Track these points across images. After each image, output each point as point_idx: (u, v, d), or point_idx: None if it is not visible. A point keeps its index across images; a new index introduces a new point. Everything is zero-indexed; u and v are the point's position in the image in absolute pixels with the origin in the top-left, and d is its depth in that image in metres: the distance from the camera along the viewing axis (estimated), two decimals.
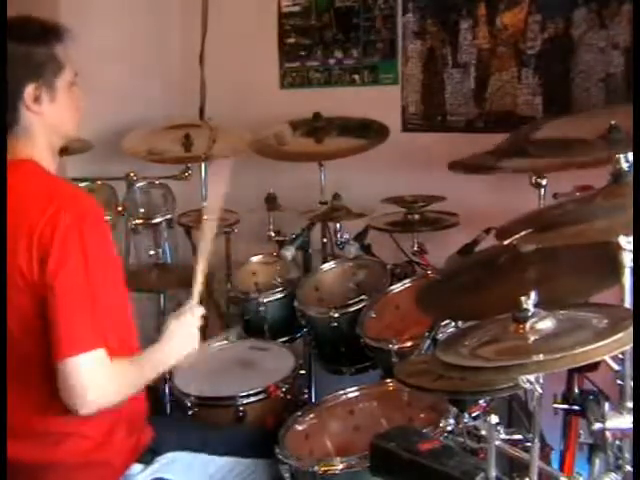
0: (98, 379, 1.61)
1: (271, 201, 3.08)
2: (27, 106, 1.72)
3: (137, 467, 1.80)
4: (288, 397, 2.33)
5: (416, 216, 2.81)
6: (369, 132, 2.95)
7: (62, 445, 1.72)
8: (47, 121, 1.76)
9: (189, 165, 3.11)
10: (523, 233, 1.63)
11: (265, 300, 2.71)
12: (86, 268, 1.61)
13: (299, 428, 2.03)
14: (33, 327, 1.65)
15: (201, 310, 1.87)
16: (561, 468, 1.85)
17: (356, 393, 2.16)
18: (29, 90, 1.71)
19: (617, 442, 1.59)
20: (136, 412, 1.83)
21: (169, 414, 2.38)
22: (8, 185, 1.70)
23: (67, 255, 1.60)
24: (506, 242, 1.66)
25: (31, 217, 1.63)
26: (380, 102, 3.18)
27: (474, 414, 1.84)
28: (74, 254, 1.61)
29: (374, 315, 2.46)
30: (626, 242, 1.51)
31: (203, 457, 1.89)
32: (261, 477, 1.95)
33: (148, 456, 1.82)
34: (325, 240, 3.00)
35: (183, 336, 1.82)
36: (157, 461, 1.82)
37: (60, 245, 1.60)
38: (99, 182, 3.07)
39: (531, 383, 1.36)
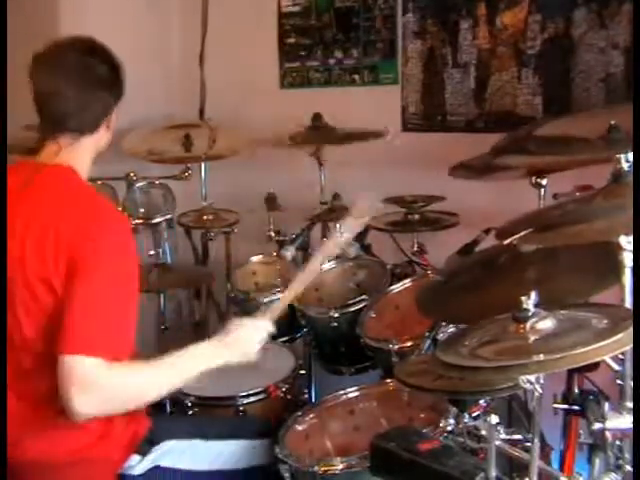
0: (98, 386, 1.61)
1: (271, 201, 3.07)
2: (108, 123, 1.85)
3: (135, 458, 1.81)
4: (288, 397, 2.33)
5: (416, 216, 2.81)
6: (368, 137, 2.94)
7: (60, 443, 1.72)
8: (103, 140, 1.87)
9: (189, 165, 3.11)
10: (523, 233, 1.63)
11: (265, 300, 2.71)
12: (107, 279, 1.65)
13: (299, 428, 2.03)
14: (45, 327, 1.67)
15: (271, 328, 1.92)
16: (561, 468, 1.85)
17: (356, 393, 2.16)
18: (114, 111, 1.84)
19: (617, 442, 1.60)
20: None
21: (169, 414, 2.37)
22: (43, 186, 1.76)
23: (92, 265, 1.64)
24: (506, 242, 1.66)
25: (62, 225, 1.67)
26: (380, 102, 3.18)
27: (474, 414, 1.84)
28: (100, 265, 1.65)
29: (374, 315, 2.46)
30: (626, 242, 1.51)
31: (200, 443, 1.90)
32: (259, 459, 1.95)
33: (145, 446, 1.82)
34: (325, 240, 3.00)
35: (241, 343, 1.84)
36: (154, 450, 1.83)
37: (83, 252, 1.64)
38: (99, 182, 3.06)
39: (531, 383, 1.36)
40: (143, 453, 1.82)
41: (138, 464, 1.81)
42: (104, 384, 1.62)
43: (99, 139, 1.85)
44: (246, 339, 1.85)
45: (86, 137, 1.81)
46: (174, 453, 1.86)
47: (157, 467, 1.83)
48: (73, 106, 1.78)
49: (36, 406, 1.72)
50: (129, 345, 1.73)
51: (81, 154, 1.82)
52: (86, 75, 1.79)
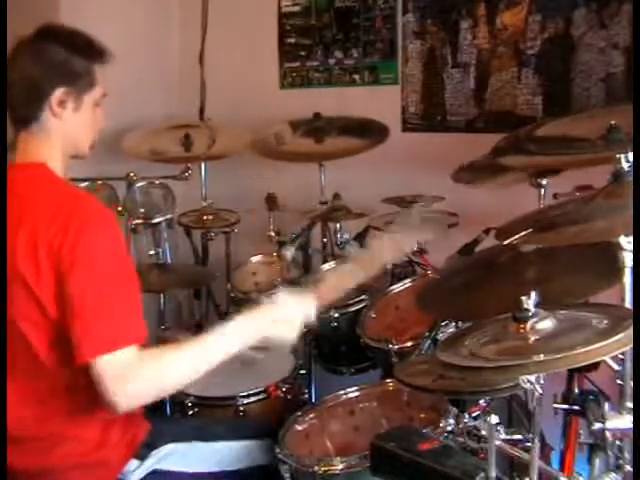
0: (132, 378, 1.58)
1: (271, 201, 3.07)
2: (51, 107, 1.73)
3: (133, 463, 1.79)
4: (288, 397, 2.33)
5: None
6: (369, 132, 2.94)
7: (57, 449, 1.71)
8: (66, 129, 1.77)
9: (189, 165, 3.11)
10: (523, 233, 1.63)
11: (265, 300, 2.70)
12: (100, 270, 1.61)
13: (299, 428, 2.03)
14: (49, 337, 1.65)
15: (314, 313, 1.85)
16: (561, 468, 1.85)
17: (356, 393, 2.16)
18: (58, 93, 1.73)
19: (617, 442, 1.59)
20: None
21: (169, 414, 2.37)
22: (17, 188, 1.70)
23: (78, 259, 1.60)
24: (506, 242, 1.66)
25: (41, 225, 1.63)
26: (380, 102, 3.18)
27: (474, 414, 1.84)
28: (85, 257, 1.60)
29: (374, 315, 2.46)
30: (626, 242, 1.51)
31: (199, 445, 1.89)
32: (259, 460, 1.95)
33: (144, 451, 1.81)
34: (325, 240, 3.00)
35: (286, 322, 1.78)
36: (153, 455, 1.81)
37: (70, 250, 1.60)
38: (99, 182, 3.06)
39: (531, 383, 1.36)
40: (142, 458, 1.80)
41: (137, 469, 1.79)
42: (139, 370, 1.58)
43: (61, 126, 1.76)
44: (292, 319, 1.79)
45: (37, 126, 1.74)
46: (173, 456, 1.84)
47: (156, 471, 1.81)
48: (16, 95, 1.74)
49: (35, 408, 1.71)
50: (144, 327, 1.69)
51: (52, 143, 1.76)
52: (34, 60, 1.73)
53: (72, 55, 1.75)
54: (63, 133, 1.77)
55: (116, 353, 1.57)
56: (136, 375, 1.59)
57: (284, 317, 1.79)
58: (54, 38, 1.76)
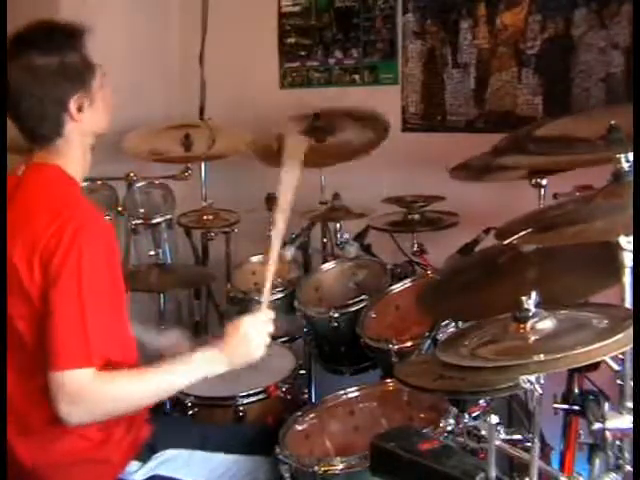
0: (85, 397, 1.61)
1: (271, 201, 3.07)
2: (71, 116, 1.71)
3: (134, 464, 1.80)
4: (288, 397, 2.32)
5: (416, 216, 2.81)
6: (371, 125, 2.93)
7: (59, 443, 1.72)
8: (84, 127, 1.75)
9: (189, 165, 3.11)
10: (522, 234, 1.63)
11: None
12: (81, 285, 1.60)
13: (299, 428, 2.03)
14: (39, 330, 1.65)
15: (270, 315, 1.83)
16: (561, 468, 1.85)
17: (356, 393, 2.16)
18: (73, 101, 1.70)
19: (617, 442, 1.59)
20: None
21: (169, 414, 2.37)
22: (28, 187, 1.72)
23: (65, 269, 1.60)
24: (506, 242, 1.66)
25: (37, 227, 1.64)
26: (380, 102, 3.17)
27: (474, 414, 1.84)
28: (71, 269, 1.60)
29: (374, 315, 2.46)
30: (626, 242, 1.51)
31: (201, 454, 1.89)
32: (260, 475, 1.95)
33: (145, 453, 1.82)
34: (325, 240, 3.00)
35: (244, 344, 1.78)
36: (154, 458, 1.82)
37: (60, 258, 1.60)
38: (99, 182, 3.07)
39: (531, 383, 1.36)
40: (143, 460, 1.81)
41: (138, 471, 1.80)
42: (90, 394, 1.61)
43: (83, 125, 1.73)
44: (248, 337, 1.78)
45: (59, 140, 1.72)
46: (174, 462, 1.85)
47: (156, 476, 1.82)
48: (28, 118, 1.69)
49: (36, 405, 1.71)
50: (122, 348, 1.72)
51: (70, 148, 1.74)
52: (34, 81, 1.66)
53: (61, 56, 1.70)
54: (83, 132, 1.76)
55: (76, 371, 1.59)
56: (89, 396, 1.61)
57: (236, 348, 1.77)
58: (34, 45, 1.69)
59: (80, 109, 1.72)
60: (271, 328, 1.81)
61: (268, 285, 1.89)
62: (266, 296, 1.88)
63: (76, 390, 1.59)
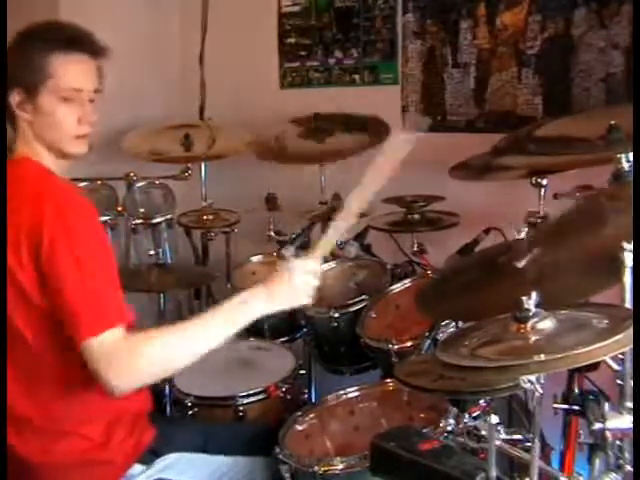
0: (121, 356, 1.58)
1: (271, 201, 3.07)
2: (13, 110, 1.72)
3: (137, 468, 1.80)
4: (288, 397, 2.32)
5: (416, 216, 2.81)
6: (370, 129, 2.93)
7: (61, 444, 1.72)
8: (36, 130, 1.74)
9: (189, 165, 3.11)
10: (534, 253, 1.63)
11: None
12: (77, 254, 1.59)
13: (299, 428, 2.03)
14: (41, 328, 1.66)
15: (319, 267, 1.79)
16: (561, 468, 1.85)
17: (356, 393, 2.16)
18: (14, 94, 1.71)
19: (617, 442, 1.59)
20: (138, 413, 1.83)
21: (169, 414, 2.37)
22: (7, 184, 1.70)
23: (57, 244, 1.59)
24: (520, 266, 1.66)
25: (23, 216, 1.63)
26: (380, 102, 3.18)
27: (474, 414, 1.84)
28: (63, 242, 1.59)
29: (374, 315, 2.46)
30: (626, 242, 1.51)
31: (203, 457, 1.89)
32: (260, 476, 1.95)
33: (148, 457, 1.81)
34: None
35: (289, 290, 1.75)
36: (157, 462, 1.82)
37: (49, 235, 1.59)
38: (99, 182, 3.06)
39: (531, 383, 1.36)
40: (146, 464, 1.81)
41: (140, 474, 1.80)
42: (125, 352, 1.58)
43: (33, 127, 1.73)
44: (295, 284, 1.75)
45: (16, 130, 1.74)
46: (177, 466, 1.85)
47: (159, 479, 1.82)
48: None
49: (36, 402, 1.71)
50: (126, 309, 1.69)
51: (31, 145, 1.74)
52: None
53: (23, 52, 1.70)
54: (35, 134, 1.75)
55: (103, 335, 1.57)
56: (126, 355, 1.58)
57: (282, 290, 1.75)
58: (18, 35, 1.73)
59: (20, 106, 1.72)
60: (317, 282, 1.78)
61: (332, 234, 1.84)
62: (324, 246, 1.84)
63: (110, 352, 1.57)
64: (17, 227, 1.62)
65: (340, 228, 1.84)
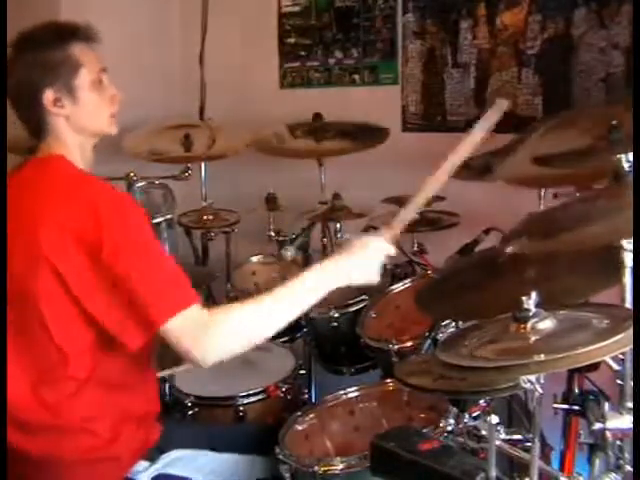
0: (205, 329, 1.62)
1: (271, 201, 3.08)
2: (48, 110, 1.74)
3: (143, 464, 1.80)
4: (288, 397, 2.32)
5: (416, 216, 2.81)
6: (368, 135, 2.94)
7: (68, 441, 1.72)
8: (74, 123, 1.78)
9: (189, 165, 3.11)
10: (520, 241, 1.63)
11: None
12: (141, 243, 1.65)
13: (299, 428, 2.03)
14: (61, 306, 1.66)
15: (392, 250, 1.82)
16: (561, 468, 1.85)
17: (356, 393, 2.16)
18: (47, 95, 1.73)
19: (617, 442, 1.59)
20: (146, 412, 1.84)
21: (169, 414, 2.37)
22: (33, 179, 1.73)
23: (120, 245, 1.62)
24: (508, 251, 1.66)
25: (61, 213, 1.64)
26: (380, 102, 3.18)
27: (474, 414, 1.84)
28: (125, 241, 1.63)
29: (374, 315, 2.46)
30: (626, 242, 1.51)
31: (206, 454, 1.90)
32: (260, 475, 1.95)
33: (154, 453, 1.82)
34: (325, 240, 3.00)
35: (365, 265, 1.77)
36: (162, 458, 1.82)
37: (109, 238, 1.61)
38: None
39: (531, 383, 1.36)
40: (151, 460, 1.81)
41: (145, 470, 1.80)
42: (207, 324, 1.63)
43: (71, 121, 1.77)
44: (370, 260, 1.77)
45: (49, 132, 1.76)
46: (182, 462, 1.85)
47: (164, 475, 1.82)
48: (19, 114, 1.77)
49: (44, 395, 1.71)
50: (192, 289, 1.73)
51: (65, 142, 1.77)
52: (11, 76, 1.75)
53: (45, 52, 1.74)
54: (74, 128, 1.78)
55: (183, 313, 1.61)
56: (208, 326, 1.63)
57: (359, 265, 1.77)
58: (28, 45, 1.75)
59: (57, 103, 1.74)
60: (386, 260, 1.81)
61: (408, 212, 1.90)
62: (399, 223, 1.88)
63: (193, 327, 1.61)
64: (55, 222, 1.64)
65: (417, 205, 1.92)
